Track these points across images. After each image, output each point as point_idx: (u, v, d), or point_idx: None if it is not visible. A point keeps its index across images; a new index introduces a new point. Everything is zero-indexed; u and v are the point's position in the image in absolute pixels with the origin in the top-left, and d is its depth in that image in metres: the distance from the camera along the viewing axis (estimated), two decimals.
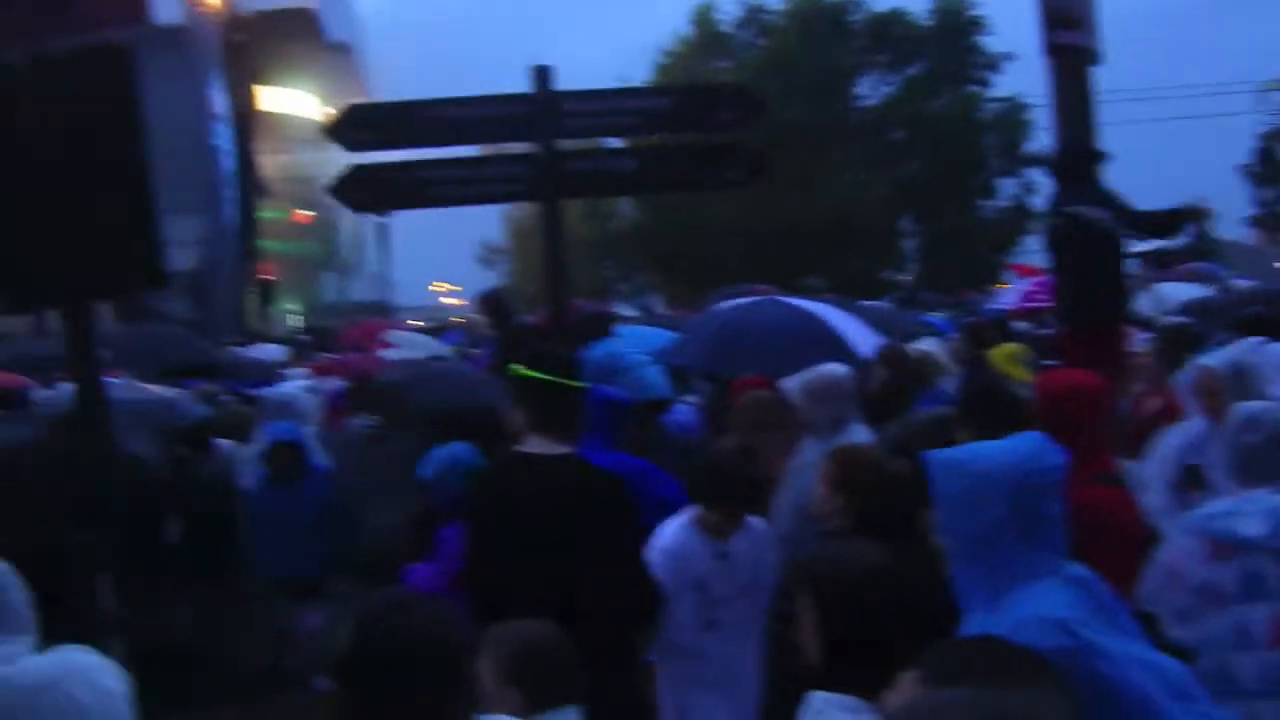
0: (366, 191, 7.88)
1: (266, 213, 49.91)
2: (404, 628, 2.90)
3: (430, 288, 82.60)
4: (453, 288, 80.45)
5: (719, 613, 5.52)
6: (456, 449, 6.46)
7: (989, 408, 5.44)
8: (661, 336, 10.89)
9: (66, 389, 10.08)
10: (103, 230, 4.93)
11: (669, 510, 5.72)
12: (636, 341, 9.90)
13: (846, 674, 3.20)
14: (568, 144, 8.09)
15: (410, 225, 67.14)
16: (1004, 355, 10.15)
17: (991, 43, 46.30)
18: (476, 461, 6.15)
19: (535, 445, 4.95)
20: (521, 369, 4.99)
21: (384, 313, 53.87)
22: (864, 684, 3.10)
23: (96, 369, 5.18)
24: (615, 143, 14.40)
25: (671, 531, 5.55)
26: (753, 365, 8.20)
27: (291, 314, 53.05)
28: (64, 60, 5.00)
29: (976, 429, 5.06)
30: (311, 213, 59.17)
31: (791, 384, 6.90)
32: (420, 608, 3.03)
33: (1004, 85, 46.26)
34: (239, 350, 16.97)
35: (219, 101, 42.11)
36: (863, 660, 3.18)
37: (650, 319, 20.44)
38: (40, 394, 11.39)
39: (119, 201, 4.96)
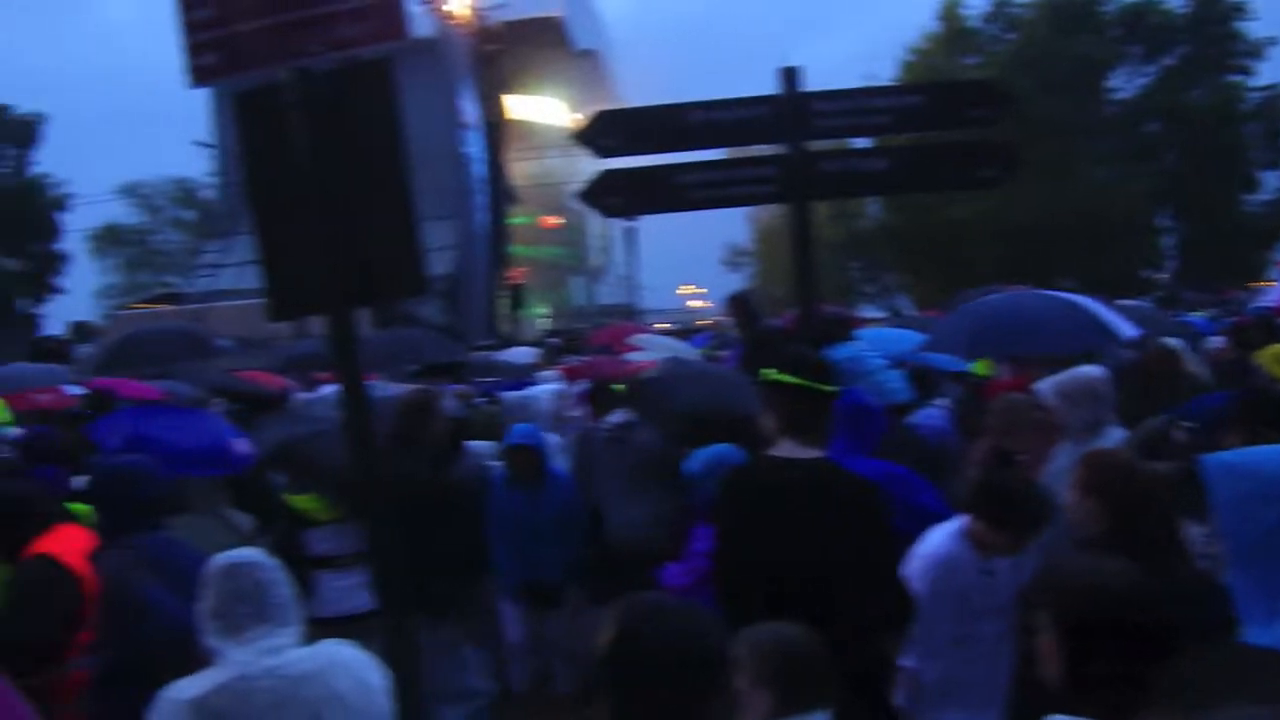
0: (618, 196, 7.92)
1: (516, 218, 50.88)
2: (666, 631, 2.92)
3: (677, 291, 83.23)
4: (699, 290, 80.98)
5: (975, 627, 5.39)
6: (723, 449, 6.49)
7: (1263, 411, 5.23)
8: (907, 338, 10.73)
9: (327, 390, 10.43)
10: (367, 238, 5.07)
11: (923, 516, 5.62)
12: (880, 343, 9.79)
13: (1090, 696, 3.03)
14: (817, 144, 8.02)
15: (657, 229, 67.88)
16: (1271, 356, 9.72)
17: (1253, 28, 44.49)
18: (741, 463, 6.14)
19: (786, 449, 4.94)
20: (773, 373, 4.98)
21: (631, 316, 54.45)
22: (1109, 707, 2.93)
23: (360, 373, 5.32)
24: (862, 142, 14.26)
25: (939, 539, 5.43)
26: (1013, 347, 8.03)
27: (541, 317, 53.95)
28: (329, 75, 5.16)
29: (1249, 433, 4.87)
30: (560, 218, 60.12)
31: (1045, 386, 6.73)
32: (681, 611, 3.04)
33: (1268, 73, 44.40)
34: (492, 353, 17.29)
35: (469, 110, 43.11)
36: (1107, 682, 3.00)
37: (898, 320, 20.19)
38: (301, 395, 11.82)
39: (383, 210, 5.10)
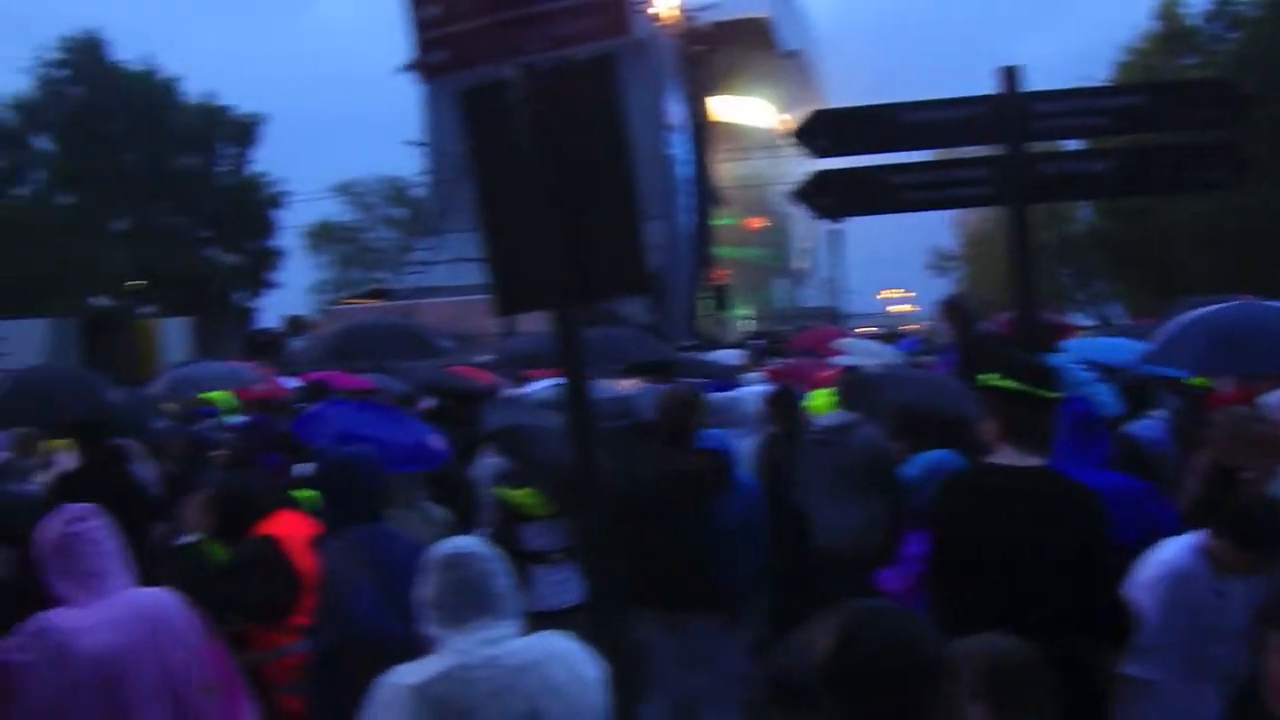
0: (832, 197, 7.83)
1: (721, 220, 50.92)
2: (887, 636, 2.89)
3: (879, 295, 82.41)
4: (904, 294, 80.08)
5: (1204, 648, 5.19)
6: (940, 455, 6.42)
7: None
8: (1123, 347, 10.43)
9: (536, 386, 10.56)
10: (591, 235, 5.11)
11: (1152, 530, 5.46)
12: (1094, 353, 9.54)
13: None
14: (1034, 146, 7.84)
15: (860, 232, 67.22)
16: None
17: None
18: (959, 469, 6.06)
19: (1006, 456, 4.85)
20: (993, 378, 4.89)
21: (834, 319, 54.14)
22: None
23: (585, 369, 5.37)
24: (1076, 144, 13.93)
25: (1173, 552, 5.26)
26: (1243, 364, 7.77)
27: (743, 319, 53.93)
28: (554, 72, 5.22)
29: None
30: (764, 219, 60.01)
31: (1273, 400, 6.50)
32: (901, 617, 3.01)
33: None
34: (698, 354, 17.31)
35: (676, 112, 43.25)
36: None
37: (1110, 329, 19.69)
38: (510, 391, 11.99)
39: (607, 207, 5.14)
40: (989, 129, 7.60)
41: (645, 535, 7.17)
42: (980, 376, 5.04)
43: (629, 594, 5.97)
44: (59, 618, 4.47)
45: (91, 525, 4.69)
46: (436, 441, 7.98)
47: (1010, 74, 7.51)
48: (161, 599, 4.86)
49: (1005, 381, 4.85)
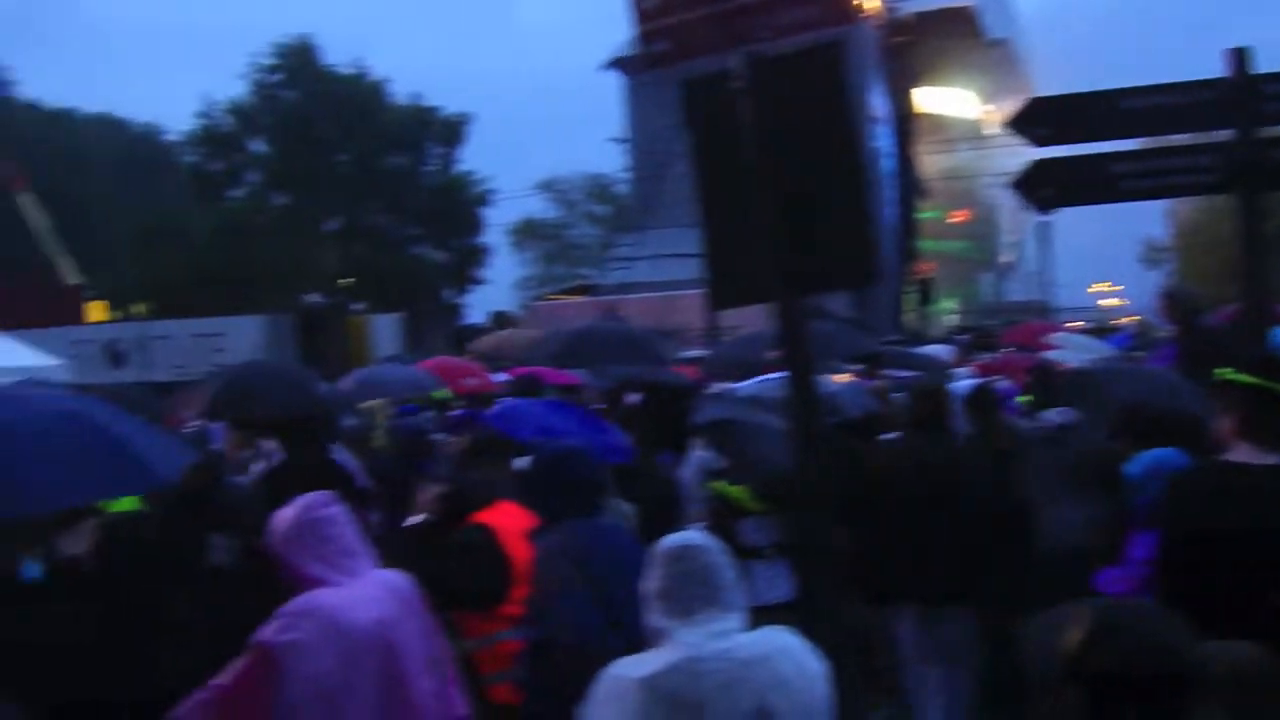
0: (1051, 187, 7.64)
1: (925, 213, 50.34)
2: (1145, 636, 2.81)
3: (1089, 289, 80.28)
4: (1113, 288, 78.01)
5: None
6: (1165, 453, 6.22)
7: None
8: None
9: (746, 381, 10.53)
10: (818, 225, 5.06)
11: None
12: None
13: None
14: (1263, 132, 7.52)
15: (1068, 223, 65.56)
16: None
17: None
18: (1184, 468, 5.86)
19: (1243, 454, 4.67)
20: (1230, 373, 4.71)
21: (1043, 313, 53.09)
22: None
23: (810, 363, 5.32)
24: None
25: None
26: None
27: (948, 313, 53.25)
28: (781, 60, 5.18)
29: None
30: (969, 212, 59.08)
31: None
32: (1158, 619, 2.93)
33: None
34: (907, 349, 17.09)
35: (879, 104, 42.83)
36: None
37: None
38: (719, 386, 11.95)
39: (835, 197, 5.08)
40: (1218, 113, 7.32)
41: (906, 529, 7.15)
42: (1216, 371, 4.85)
43: (885, 590, 5.90)
44: (324, 596, 4.64)
45: (334, 510, 4.85)
46: (620, 438, 8.16)
47: (1240, 55, 7.22)
48: (400, 578, 5.01)
49: (1243, 376, 4.66)
